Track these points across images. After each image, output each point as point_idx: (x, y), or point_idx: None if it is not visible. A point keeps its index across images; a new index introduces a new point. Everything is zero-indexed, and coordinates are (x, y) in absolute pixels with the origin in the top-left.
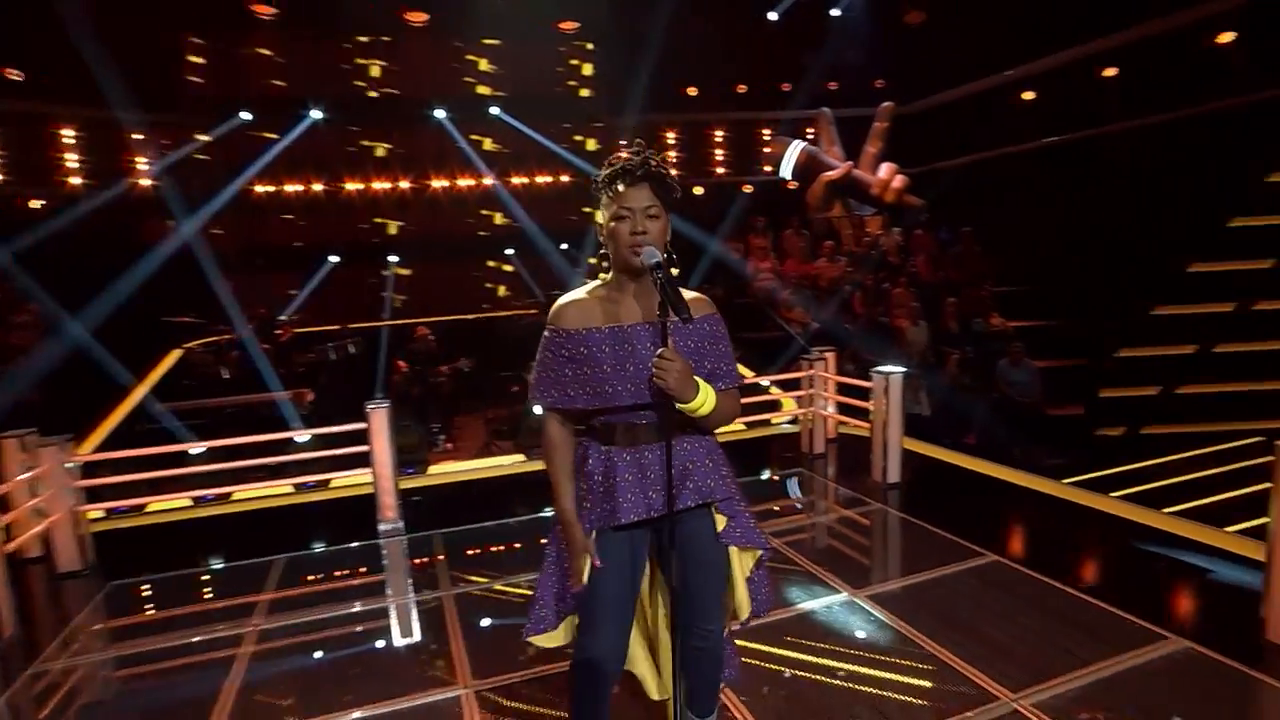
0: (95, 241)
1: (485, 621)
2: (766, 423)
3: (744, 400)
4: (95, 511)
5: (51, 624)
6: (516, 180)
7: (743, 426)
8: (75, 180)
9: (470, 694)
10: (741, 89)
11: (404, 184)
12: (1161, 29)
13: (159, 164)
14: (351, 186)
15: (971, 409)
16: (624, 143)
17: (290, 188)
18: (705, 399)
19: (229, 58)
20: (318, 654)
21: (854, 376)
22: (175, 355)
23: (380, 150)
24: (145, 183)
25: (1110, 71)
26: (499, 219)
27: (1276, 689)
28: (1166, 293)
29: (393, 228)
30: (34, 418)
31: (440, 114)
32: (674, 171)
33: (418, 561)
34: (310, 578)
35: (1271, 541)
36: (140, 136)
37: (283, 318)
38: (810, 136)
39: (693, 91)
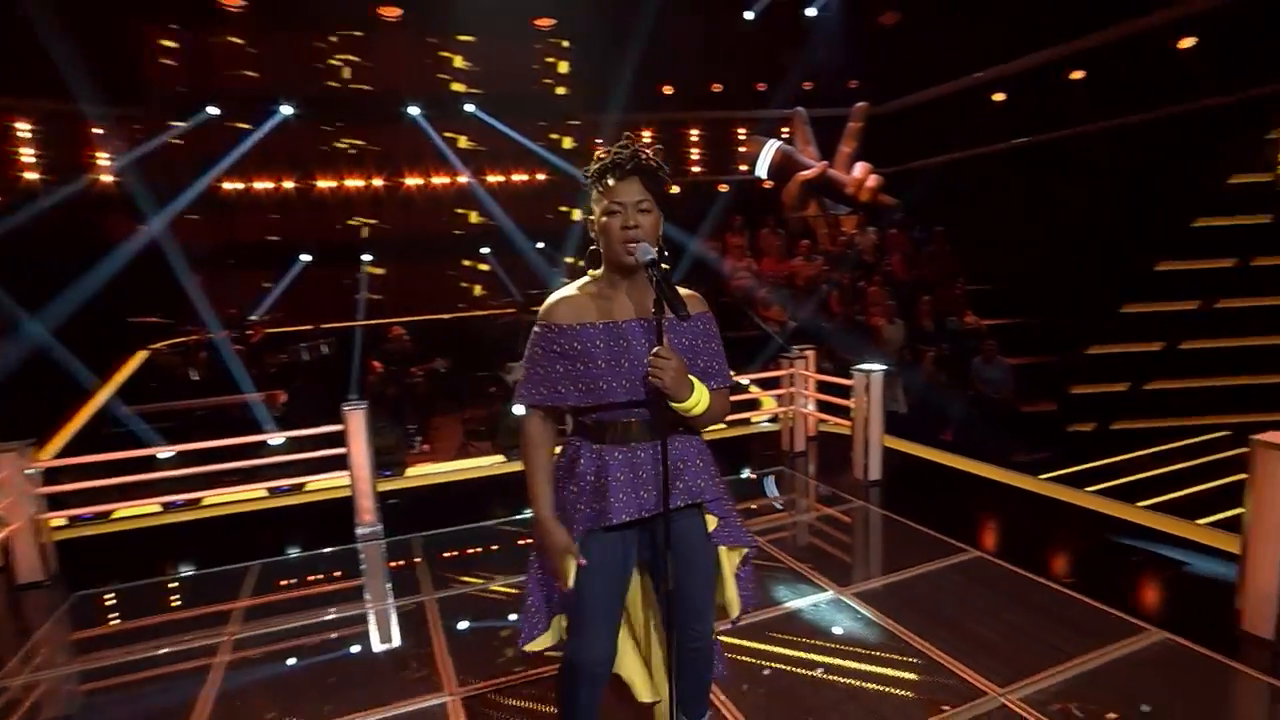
0: (56, 239)
1: (469, 625)
2: (746, 421)
3: None
4: (58, 519)
5: (11, 638)
6: (492, 178)
7: (723, 425)
8: (33, 175)
9: (456, 701)
10: (717, 88)
11: (378, 182)
12: (1127, 33)
13: (122, 159)
14: (324, 184)
15: (948, 406)
16: (600, 140)
17: (260, 185)
18: (699, 398)
19: (196, 50)
20: (297, 662)
21: (832, 375)
22: (141, 356)
23: (353, 147)
24: (107, 178)
25: (1078, 74)
26: (474, 218)
27: (1253, 678)
28: (1135, 291)
29: (364, 231)
30: None
31: (414, 111)
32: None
33: (398, 565)
34: (287, 583)
35: (1246, 534)
36: (102, 130)
37: (254, 318)
38: (785, 136)
39: (669, 90)
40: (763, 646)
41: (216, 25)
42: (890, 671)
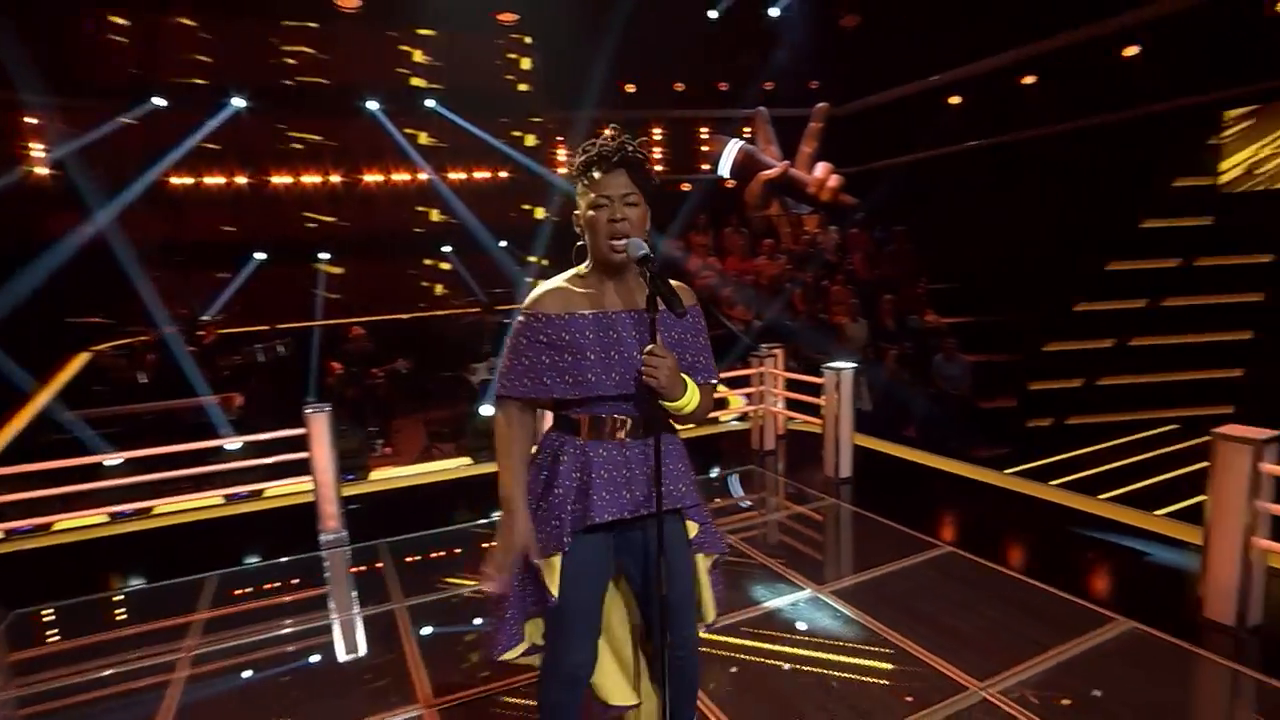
0: None
1: (442, 633)
2: (715, 420)
3: None
4: None
5: None
6: (454, 175)
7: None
8: None
9: (432, 713)
10: (680, 87)
11: (335, 178)
12: (1075, 40)
13: (60, 150)
14: (278, 180)
15: (911, 403)
16: (562, 139)
17: (211, 180)
18: (691, 397)
19: (141, 38)
20: (262, 675)
21: (798, 373)
22: (83, 358)
23: (309, 142)
24: (43, 171)
25: (1029, 79)
26: (435, 216)
27: (1216, 663)
28: (1087, 290)
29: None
30: None
31: (373, 105)
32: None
33: (364, 572)
34: (248, 594)
35: (1207, 525)
36: (38, 120)
37: (206, 318)
38: (748, 136)
39: (631, 89)
40: (744, 647)
41: (163, 13)
42: (872, 669)
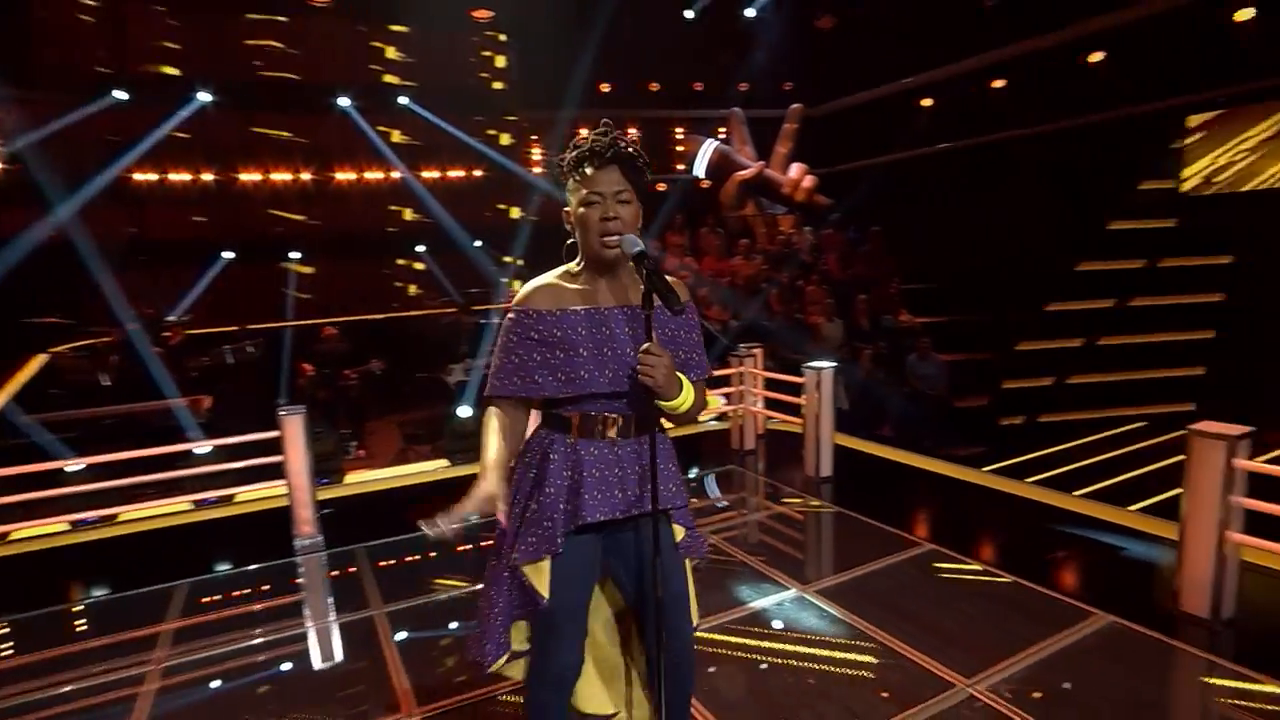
0: None
1: (424, 639)
2: (694, 420)
3: None
4: None
5: None
6: (428, 174)
7: (669, 424)
8: None
9: None
10: (655, 87)
11: (306, 175)
12: (1043, 46)
13: (12, 144)
14: (247, 177)
15: (886, 402)
16: (536, 138)
17: (176, 176)
18: (687, 396)
19: (102, 29)
20: (237, 686)
21: (774, 372)
22: (39, 361)
23: (279, 139)
24: None
25: (999, 83)
26: (409, 215)
27: (1192, 654)
28: (1058, 290)
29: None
30: None
31: (344, 102)
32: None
33: (341, 577)
34: (221, 602)
35: (1183, 520)
36: None
37: (172, 318)
38: (722, 136)
39: (606, 88)
40: (731, 647)
41: (124, 4)
42: (860, 668)
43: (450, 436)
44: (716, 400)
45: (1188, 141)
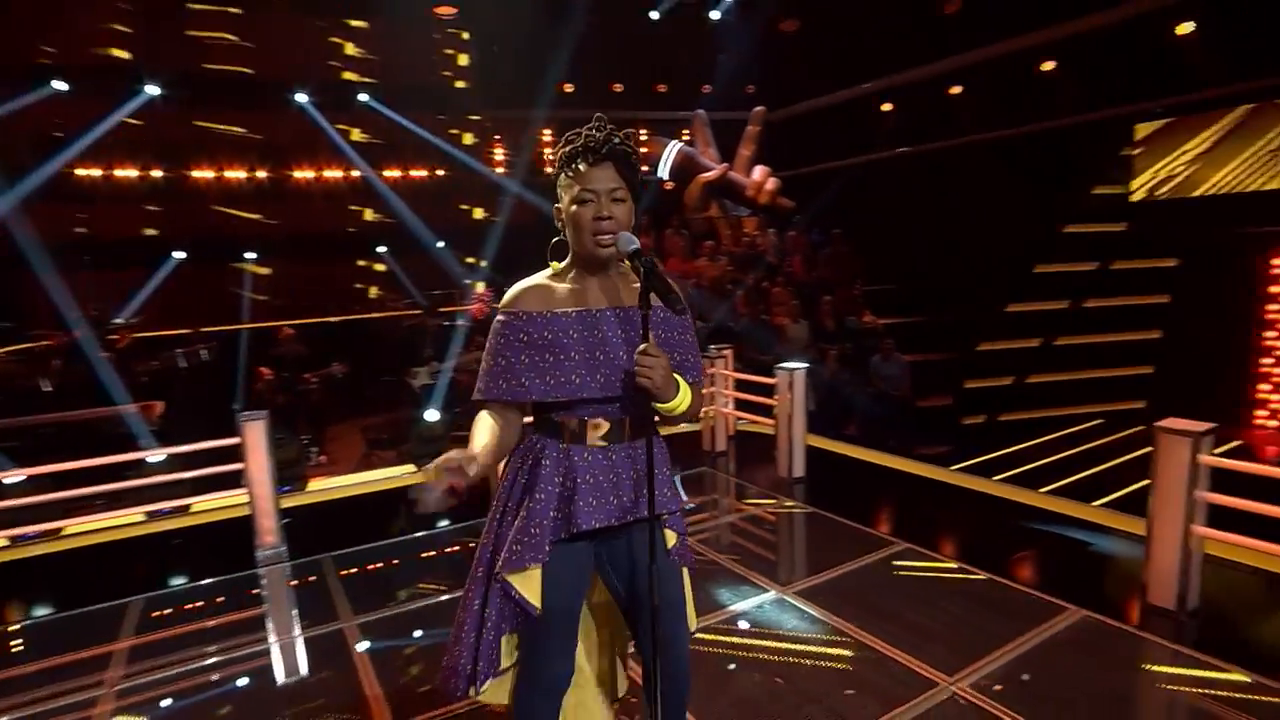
0: None
1: (398, 650)
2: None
3: None
4: None
5: None
6: (389, 173)
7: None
8: None
9: None
10: (618, 88)
11: (261, 173)
12: (999, 54)
13: None
14: (199, 174)
15: (851, 402)
16: (498, 137)
17: (122, 173)
18: (683, 397)
19: (37, 15)
20: (198, 705)
21: (740, 373)
22: None
23: (232, 135)
24: None
25: (956, 89)
26: (370, 215)
27: (1161, 645)
28: (1016, 291)
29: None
30: None
31: (302, 98)
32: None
33: (307, 588)
34: (178, 618)
35: (1150, 515)
36: None
37: (119, 321)
38: (686, 138)
39: (569, 88)
40: (713, 651)
41: None
42: (843, 669)
43: (417, 441)
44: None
45: (1136, 150)
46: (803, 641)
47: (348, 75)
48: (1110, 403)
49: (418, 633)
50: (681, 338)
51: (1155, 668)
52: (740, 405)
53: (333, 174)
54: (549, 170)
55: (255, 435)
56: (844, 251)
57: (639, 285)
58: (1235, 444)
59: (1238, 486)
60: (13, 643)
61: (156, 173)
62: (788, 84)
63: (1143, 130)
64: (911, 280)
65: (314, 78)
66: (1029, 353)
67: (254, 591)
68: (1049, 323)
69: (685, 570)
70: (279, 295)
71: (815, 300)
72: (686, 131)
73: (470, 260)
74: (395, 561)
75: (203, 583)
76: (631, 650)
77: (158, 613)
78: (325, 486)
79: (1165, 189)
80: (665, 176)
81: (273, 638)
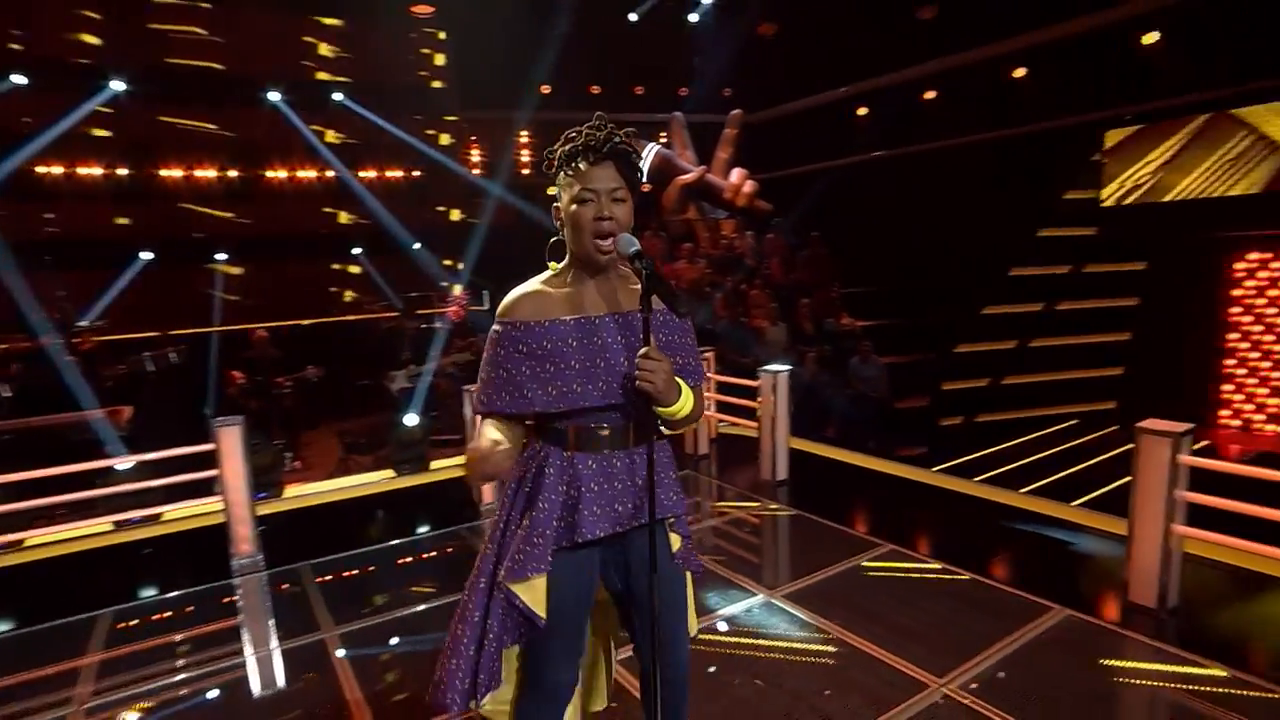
0: None
1: (383, 660)
2: None
3: None
4: None
5: None
6: (365, 174)
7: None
8: None
9: None
10: (595, 90)
11: (233, 173)
12: (971, 61)
13: None
14: (167, 173)
15: (830, 403)
16: (475, 138)
17: (86, 171)
18: (686, 401)
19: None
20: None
21: (719, 376)
22: None
23: (203, 133)
24: None
25: (931, 94)
26: (344, 218)
27: (1142, 643)
28: (992, 294)
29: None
30: None
31: (275, 97)
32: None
33: (286, 598)
34: (150, 630)
35: (1132, 515)
36: None
37: (83, 324)
38: (663, 140)
39: (547, 89)
40: (703, 656)
41: None
42: (834, 672)
43: (396, 446)
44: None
45: (1106, 157)
46: (792, 645)
47: (321, 75)
48: (1083, 404)
49: (402, 641)
50: (682, 340)
51: (1139, 665)
52: (721, 408)
53: (307, 174)
54: (526, 172)
55: (231, 441)
56: (821, 254)
57: (637, 287)
58: (1203, 444)
59: (1207, 485)
60: None
61: (123, 170)
62: (765, 87)
63: (1112, 137)
64: (889, 283)
65: (287, 75)
66: (1005, 354)
67: (230, 601)
68: (1024, 325)
69: (689, 574)
70: (251, 297)
71: (793, 303)
72: (664, 134)
73: (448, 263)
74: (377, 569)
75: (175, 594)
76: (631, 654)
77: (128, 625)
78: (302, 493)
79: (1134, 195)
80: (643, 178)
81: (250, 650)
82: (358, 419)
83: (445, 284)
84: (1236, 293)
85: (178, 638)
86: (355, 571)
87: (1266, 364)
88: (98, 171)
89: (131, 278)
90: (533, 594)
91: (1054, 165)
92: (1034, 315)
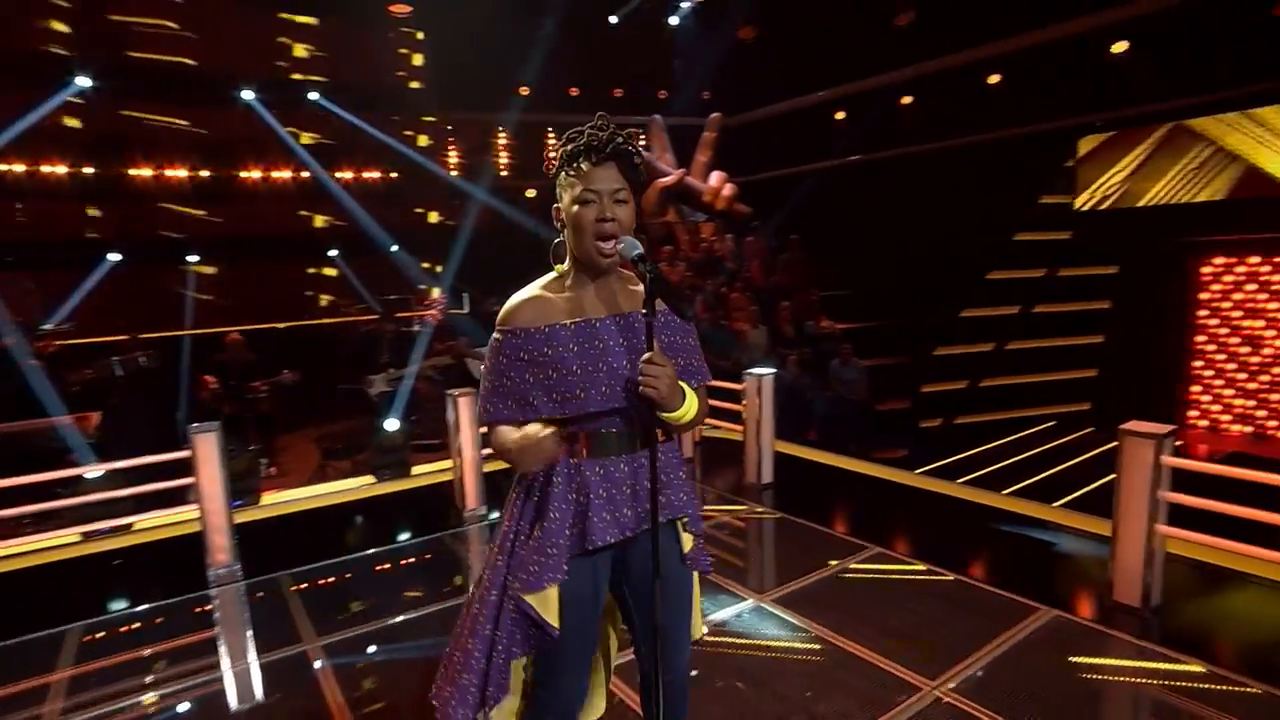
0: None
1: (370, 672)
2: None
3: None
4: None
5: None
6: (341, 175)
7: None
8: None
9: None
10: (574, 92)
11: (205, 172)
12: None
13: None
14: (136, 172)
15: (811, 406)
16: (454, 141)
17: (49, 169)
18: (690, 405)
19: None
20: None
21: None
22: None
23: (173, 131)
24: None
25: (907, 99)
26: (320, 220)
27: (1127, 642)
28: (971, 297)
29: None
30: None
31: (248, 95)
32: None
33: (266, 609)
34: (123, 645)
35: (1116, 515)
36: None
37: (47, 327)
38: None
39: (525, 91)
40: (696, 662)
41: None
42: (827, 677)
43: (376, 451)
44: None
45: (1078, 160)
46: (784, 649)
47: (296, 75)
48: (1060, 405)
49: (388, 652)
50: (685, 340)
51: (1125, 664)
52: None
53: (281, 174)
54: (505, 174)
55: (207, 448)
56: (801, 257)
57: (636, 287)
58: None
59: (1186, 484)
60: None
61: (89, 169)
62: (745, 91)
63: (1085, 145)
64: (869, 286)
65: (262, 73)
66: (983, 357)
67: (206, 613)
68: (1001, 327)
69: (696, 575)
70: (225, 299)
71: (774, 306)
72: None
73: (426, 265)
74: (358, 577)
75: (149, 606)
76: (631, 657)
77: (99, 640)
78: (281, 500)
79: (1107, 202)
80: (643, 177)
81: (228, 663)
82: (336, 424)
83: (423, 287)
84: (1203, 296)
85: (152, 651)
86: (337, 580)
87: (1232, 366)
88: (62, 170)
89: (99, 279)
90: (545, 605)
91: (1031, 170)
92: (1011, 318)
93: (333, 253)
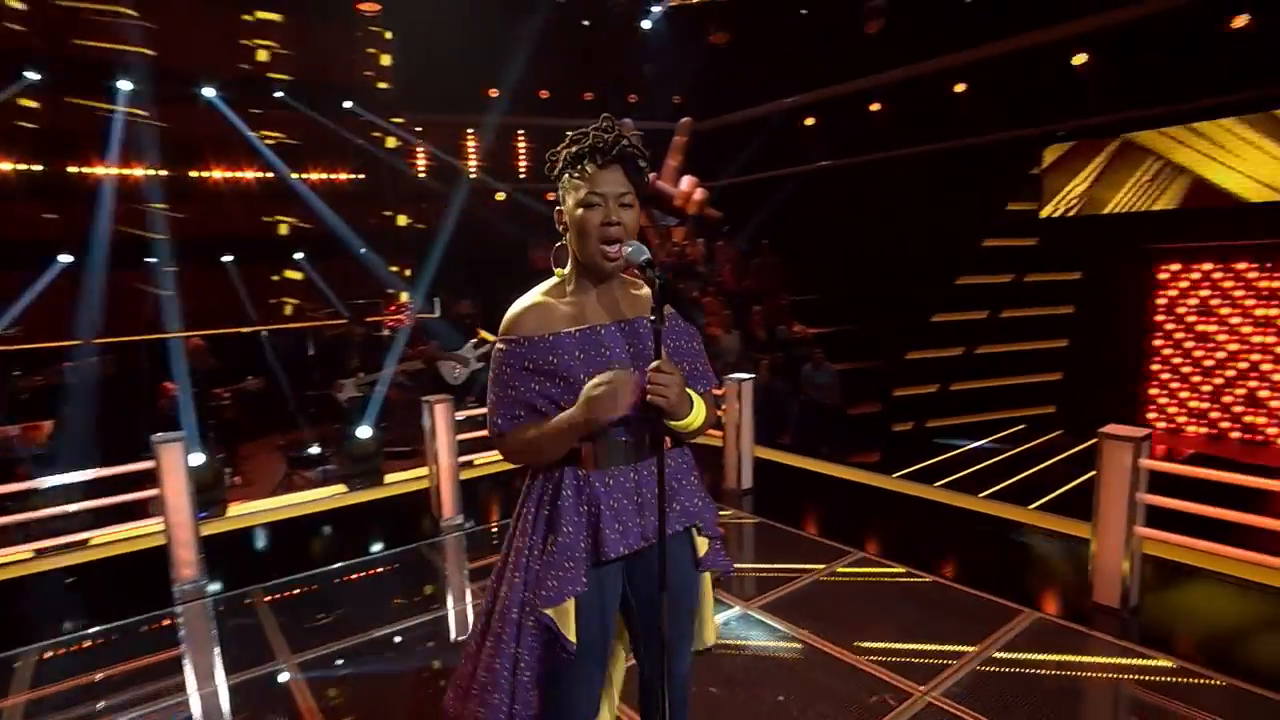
0: None
1: (351, 689)
2: None
3: None
4: None
5: None
6: (307, 175)
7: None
8: None
9: None
10: (544, 94)
11: (163, 171)
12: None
13: None
14: (88, 170)
15: (785, 410)
16: (421, 147)
17: None
18: (698, 412)
19: None
20: None
21: None
22: None
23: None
24: None
25: (875, 106)
26: (284, 225)
27: (1107, 641)
28: (941, 302)
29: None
30: None
31: (209, 92)
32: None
33: (237, 625)
34: (83, 667)
35: (1096, 518)
36: None
37: None
38: None
39: (494, 93)
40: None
41: None
42: (819, 684)
43: (348, 458)
44: None
45: (1043, 168)
46: (774, 657)
47: (261, 70)
48: (1028, 408)
49: (366, 667)
50: (689, 345)
51: (1107, 662)
52: None
53: (244, 174)
54: (472, 174)
55: (172, 458)
56: (773, 262)
57: (640, 291)
58: None
59: (1159, 486)
60: None
61: (36, 166)
62: (716, 95)
63: (1050, 154)
64: (840, 290)
65: (224, 70)
66: (952, 361)
67: (172, 631)
68: (970, 332)
69: (708, 576)
70: (186, 302)
71: (746, 310)
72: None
73: (394, 269)
74: (334, 590)
75: (111, 625)
76: (631, 661)
77: (58, 661)
78: (248, 511)
79: (1073, 210)
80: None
81: (195, 684)
82: (304, 431)
83: (390, 291)
84: (1161, 301)
85: (115, 674)
86: (310, 593)
87: (1188, 367)
88: (5, 166)
89: (49, 281)
90: (563, 618)
91: (998, 178)
92: (980, 322)
93: (298, 255)
